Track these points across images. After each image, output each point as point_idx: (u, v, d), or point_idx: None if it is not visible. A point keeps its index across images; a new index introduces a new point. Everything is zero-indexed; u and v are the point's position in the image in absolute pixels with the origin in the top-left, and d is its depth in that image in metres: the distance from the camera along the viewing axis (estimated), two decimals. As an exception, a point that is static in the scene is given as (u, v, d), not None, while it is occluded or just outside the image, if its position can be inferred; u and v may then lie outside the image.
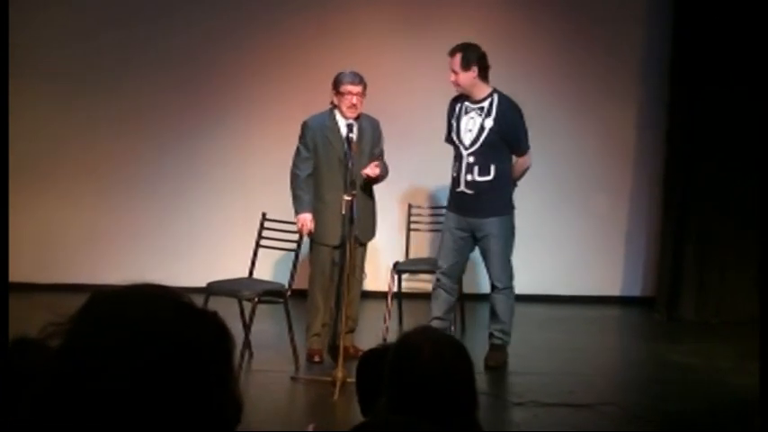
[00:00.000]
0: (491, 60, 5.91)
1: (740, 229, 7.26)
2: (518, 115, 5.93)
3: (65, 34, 7.46)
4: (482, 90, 5.90)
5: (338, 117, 5.93)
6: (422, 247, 7.41)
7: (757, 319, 6.15)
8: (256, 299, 5.87)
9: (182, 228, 7.64)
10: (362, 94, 5.89)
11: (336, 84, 5.90)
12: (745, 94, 7.11)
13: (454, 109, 6.00)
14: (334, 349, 5.83)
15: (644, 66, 7.67)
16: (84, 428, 1.18)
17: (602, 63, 7.63)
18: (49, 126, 7.54)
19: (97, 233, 7.64)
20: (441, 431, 2.05)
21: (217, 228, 7.61)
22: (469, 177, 5.89)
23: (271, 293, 6.07)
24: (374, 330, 6.47)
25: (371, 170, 5.93)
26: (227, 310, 5.48)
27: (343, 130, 5.88)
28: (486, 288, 6.56)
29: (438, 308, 6.09)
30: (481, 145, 5.86)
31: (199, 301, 1.33)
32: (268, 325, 6.45)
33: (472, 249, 6.09)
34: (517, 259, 6.13)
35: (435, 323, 5.96)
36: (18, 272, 6.84)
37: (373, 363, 2.57)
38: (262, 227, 6.40)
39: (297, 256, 6.16)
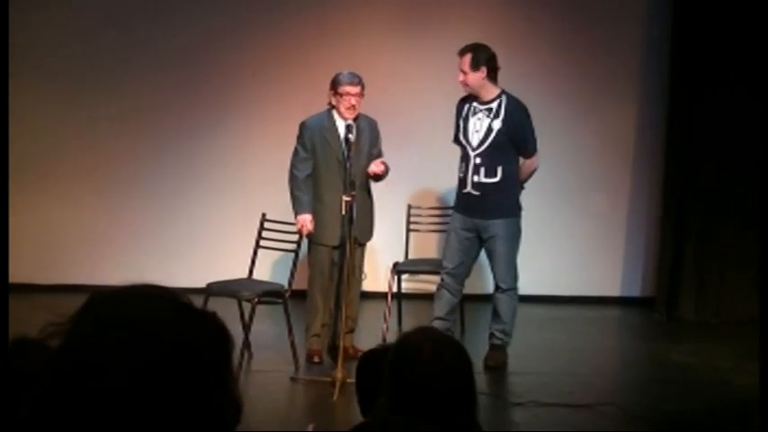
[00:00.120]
0: (492, 60, 5.91)
1: (740, 230, 7.26)
2: (526, 117, 5.92)
3: (65, 34, 7.46)
4: (490, 91, 5.89)
5: (336, 118, 5.93)
6: (421, 247, 7.41)
7: (757, 319, 6.15)
8: (256, 299, 5.88)
9: (181, 228, 7.64)
10: (361, 95, 5.88)
11: (335, 85, 5.89)
12: (745, 94, 7.11)
13: (462, 109, 5.99)
14: (333, 350, 5.83)
15: (644, 66, 7.67)
16: (84, 428, 1.18)
17: (602, 63, 7.63)
18: (49, 126, 7.54)
19: (97, 233, 7.64)
20: (440, 431, 2.05)
21: (216, 228, 7.61)
22: (476, 179, 5.88)
23: (270, 294, 6.07)
24: (374, 331, 6.47)
25: (377, 167, 5.93)
26: (227, 311, 5.49)
27: (342, 131, 5.88)
28: (486, 289, 6.57)
29: (440, 308, 6.08)
30: (489, 146, 5.85)
31: (198, 301, 1.34)
32: (267, 325, 6.45)
33: (478, 251, 6.08)
34: (517, 259, 6.13)
35: (437, 323, 5.96)
36: (18, 272, 6.84)
37: (373, 363, 2.57)
38: (261, 227, 6.40)
39: (296, 257, 6.16)
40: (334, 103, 5.92)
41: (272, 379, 5.78)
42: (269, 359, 6.07)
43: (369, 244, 6.25)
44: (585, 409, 5.34)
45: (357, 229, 5.76)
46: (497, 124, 5.85)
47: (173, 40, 7.51)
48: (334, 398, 5.32)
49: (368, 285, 6.57)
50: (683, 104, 7.32)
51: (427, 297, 7.47)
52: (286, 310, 5.98)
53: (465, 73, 5.85)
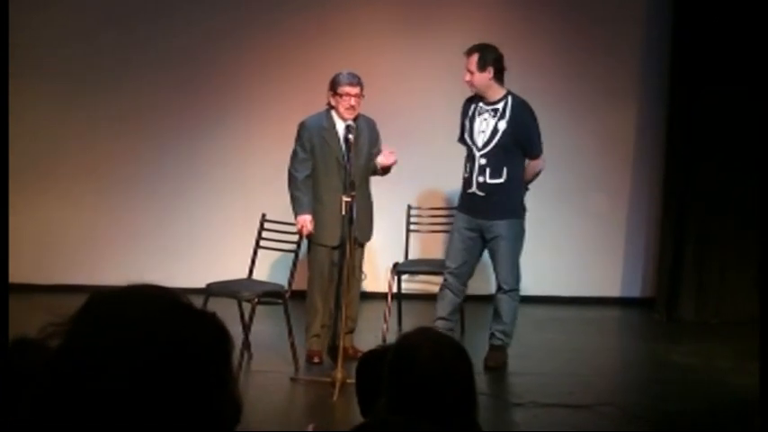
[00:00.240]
0: (490, 60, 5.90)
1: (740, 230, 7.26)
2: (532, 118, 5.92)
3: (65, 34, 7.46)
4: (497, 92, 5.89)
5: (335, 118, 5.93)
6: (421, 247, 7.41)
7: (757, 319, 6.15)
8: (256, 300, 5.87)
9: (181, 228, 7.64)
10: (360, 96, 5.88)
11: (334, 85, 5.89)
12: (745, 94, 7.11)
13: (468, 109, 5.99)
14: (333, 350, 5.83)
15: (643, 66, 7.67)
16: (84, 428, 1.18)
17: (601, 63, 7.63)
18: (49, 126, 7.54)
19: (97, 233, 7.64)
20: (440, 431, 2.05)
21: (216, 228, 7.61)
22: (481, 179, 5.88)
23: (270, 294, 6.07)
24: (374, 331, 6.47)
25: (387, 159, 5.92)
26: (227, 311, 5.49)
27: (341, 132, 5.88)
28: (486, 290, 6.56)
29: (443, 308, 6.08)
30: (494, 147, 5.85)
31: (198, 301, 1.34)
32: (267, 326, 6.45)
33: (482, 251, 6.07)
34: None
35: (440, 323, 5.97)
36: (18, 273, 6.83)
37: (373, 364, 2.57)
38: (261, 227, 6.40)
39: (296, 257, 6.15)
40: (333, 103, 5.91)
41: (271, 379, 5.78)
42: (269, 360, 6.06)
43: (368, 244, 6.25)
44: (585, 410, 5.34)
45: (357, 229, 5.76)
46: (503, 125, 5.84)
47: (173, 40, 7.51)
48: (334, 398, 5.32)
49: (368, 286, 6.57)
50: (682, 104, 7.32)
51: (427, 297, 7.47)
52: (286, 311, 5.97)
53: (472, 73, 5.85)
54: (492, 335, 6.08)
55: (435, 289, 6.58)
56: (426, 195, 7.55)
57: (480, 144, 5.89)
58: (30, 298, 6.57)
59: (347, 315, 5.89)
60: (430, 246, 7.43)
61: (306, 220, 5.89)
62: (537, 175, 6.06)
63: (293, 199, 5.96)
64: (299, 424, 5.02)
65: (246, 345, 5.97)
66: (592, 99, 7.67)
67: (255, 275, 6.36)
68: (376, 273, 7.34)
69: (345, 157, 5.78)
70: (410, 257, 7.08)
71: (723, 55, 7.14)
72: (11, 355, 1.75)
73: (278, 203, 6.34)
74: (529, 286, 6.79)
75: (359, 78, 5.88)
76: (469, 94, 6.06)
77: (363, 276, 6.25)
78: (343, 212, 5.69)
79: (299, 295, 6.14)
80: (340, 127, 5.90)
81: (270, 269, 7.10)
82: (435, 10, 7.54)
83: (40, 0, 7.42)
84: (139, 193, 7.63)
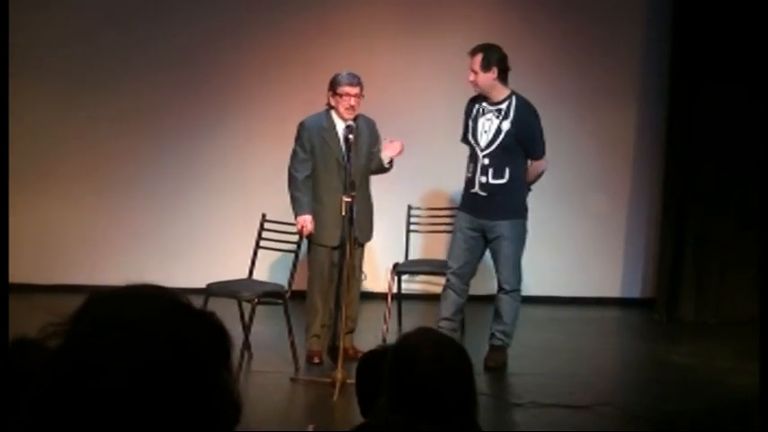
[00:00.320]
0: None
1: (739, 230, 7.27)
2: (536, 119, 5.91)
3: (65, 34, 7.46)
4: (500, 92, 5.88)
5: (335, 118, 5.93)
6: (422, 248, 7.41)
7: (757, 319, 6.15)
8: (256, 300, 5.87)
9: (181, 228, 7.64)
10: (360, 96, 5.88)
11: (333, 85, 5.88)
12: (745, 94, 7.11)
13: (471, 109, 5.98)
14: (333, 350, 5.83)
15: (643, 66, 7.67)
16: (84, 428, 1.18)
17: (600, 63, 7.63)
18: (49, 126, 7.54)
19: (97, 233, 7.64)
20: (440, 431, 2.05)
21: (216, 228, 7.61)
22: (484, 179, 5.87)
23: (270, 294, 6.07)
24: (374, 331, 6.47)
25: (393, 149, 5.90)
26: (227, 311, 5.49)
27: (341, 132, 5.88)
28: (487, 290, 6.56)
29: (446, 308, 6.08)
30: (497, 147, 5.84)
31: (198, 301, 1.34)
32: (267, 326, 6.44)
33: (484, 250, 6.07)
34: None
35: (443, 324, 5.97)
36: (18, 273, 6.83)
37: (373, 364, 2.58)
38: (261, 228, 6.40)
39: (296, 258, 6.15)
40: (332, 103, 5.91)
41: (272, 380, 5.78)
42: (269, 360, 6.06)
43: (368, 244, 6.25)
44: (585, 410, 5.34)
45: (357, 229, 5.76)
46: (506, 125, 5.84)
47: (173, 40, 7.51)
48: (334, 398, 5.32)
49: (368, 286, 6.57)
50: (682, 104, 7.32)
51: (427, 298, 7.48)
52: (286, 311, 5.97)
53: (476, 73, 5.84)
54: (492, 335, 6.08)
55: (436, 289, 6.58)
56: (426, 195, 7.55)
57: (483, 144, 5.89)
58: (30, 298, 6.57)
59: (347, 315, 5.89)
60: (430, 246, 7.43)
61: (306, 221, 5.89)
62: (540, 176, 6.06)
63: (293, 199, 5.95)
64: (299, 424, 5.02)
65: (246, 345, 5.96)
66: (592, 99, 7.67)
67: (255, 275, 6.36)
68: (376, 273, 7.33)
69: (345, 158, 5.77)
70: (410, 258, 7.08)
71: (723, 55, 7.14)
72: (11, 355, 1.75)
73: (278, 203, 6.34)
74: (529, 286, 6.79)
75: (359, 78, 5.88)
76: (470, 93, 6.06)
77: (363, 277, 6.25)
78: (344, 213, 5.68)
79: (299, 295, 6.14)
80: (340, 127, 5.90)
81: (270, 269, 7.10)
82: (435, 10, 7.54)
83: (40, 0, 7.42)
84: (139, 193, 7.63)
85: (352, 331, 6.12)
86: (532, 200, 6.13)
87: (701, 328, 7.23)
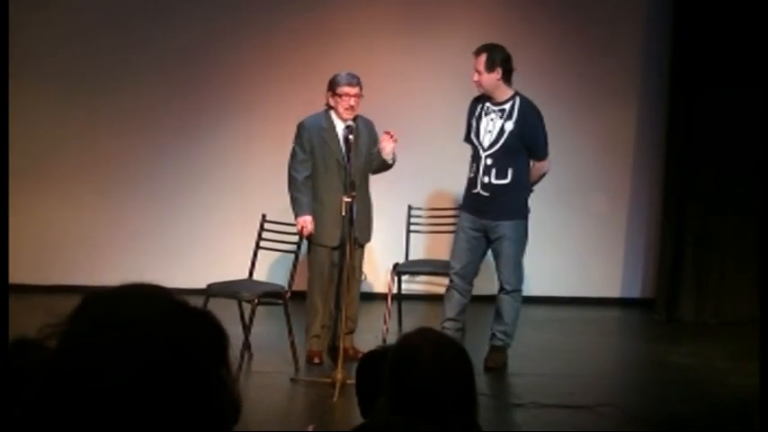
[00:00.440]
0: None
1: (739, 230, 7.27)
2: (539, 120, 5.90)
3: (65, 34, 7.46)
4: (504, 92, 5.88)
5: (334, 118, 5.92)
6: (422, 248, 7.41)
7: (757, 319, 6.16)
8: (256, 300, 5.87)
9: (181, 228, 7.64)
10: (359, 96, 5.88)
11: (333, 85, 5.88)
12: (745, 95, 7.11)
13: (475, 109, 5.97)
14: (333, 351, 5.83)
15: (643, 66, 7.67)
16: (84, 428, 1.18)
17: (600, 63, 7.63)
18: (49, 126, 7.53)
19: (97, 233, 7.63)
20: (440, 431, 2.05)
21: (216, 229, 7.61)
22: (486, 179, 5.87)
23: (270, 295, 6.06)
24: (374, 332, 6.47)
25: (389, 142, 5.88)
26: (227, 312, 5.49)
27: (341, 132, 5.87)
28: (487, 290, 6.55)
29: (450, 309, 6.07)
30: (500, 147, 5.84)
31: (198, 302, 1.33)
32: (267, 326, 6.44)
33: (486, 250, 6.06)
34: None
35: (448, 324, 5.97)
36: (17, 273, 6.83)
37: (373, 364, 2.57)
38: (261, 228, 6.40)
39: (296, 258, 6.15)
40: (332, 104, 5.91)
41: (272, 380, 5.77)
42: (269, 360, 6.06)
43: (368, 245, 6.24)
44: (585, 410, 5.34)
45: (357, 230, 5.76)
46: (510, 126, 5.83)
47: (173, 40, 7.51)
48: (334, 399, 5.32)
49: (368, 286, 6.57)
50: (682, 105, 7.32)
51: (428, 298, 7.49)
52: (286, 311, 5.97)
53: (480, 73, 5.83)
54: (493, 335, 6.08)
55: (436, 290, 6.58)
56: (427, 195, 7.55)
57: (486, 144, 5.88)
58: (29, 298, 6.57)
59: (347, 316, 5.89)
60: (430, 246, 7.43)
61: (306, 221, 5.89)
62: (542, 177, 6.05)
63: (293, 200, 5.95)
64: (299, 424, 5.02)
65: (247, 345, 5.96)
66: (592, 99, 7.66)
67: (255, 276, 6.36)
68: (376, 273, 7.34)
69: (345, 158, 5.77)
70: (410, 258, 7.07)
71: (723, 55, 7.14)
72: (11, 355, 1.75)
73: (278, 204, 6.34)
74: (529, 287, 6.79)
75: (358, 78, 5.88)
76: (470, 93, 6.06)
77: (363, 277, 6.25)
78: (343, 213, 5.68)
79: (299, 296, 6.14)
80: (339, 127, 5.90)
81: (270, 270, 7.10)
82: (435, 10, 7.54)
83: (40, 0, 7.42)
84: (139, 193, 7.63)
85: (352, 332, 6.12)
86: (532, 200, 6.13)
87: (701, 328, 7.23)
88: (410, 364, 2.24)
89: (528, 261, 6.26)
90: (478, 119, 5.93)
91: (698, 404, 5.51)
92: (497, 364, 6.00)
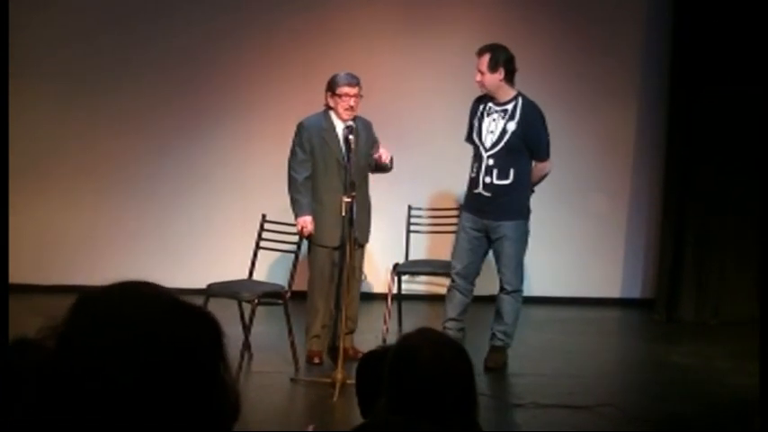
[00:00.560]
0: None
1: (739, 231, 7.27)
2: (541, 120, 5.90)
3: (65, 34, 7.46)
4: (507, 93, 5.87)
5: (334, 118, 5.92)
6: (422, 248, 7.41)
7: (757, 319, 6.16)
8: (256, 300, 5.87)
9: (181, 229, 7.64)
10: (359, 96, 5.88)
11: (332, 86, 5.88)
12: (745, 95, 7.11)
13: (477, 109, 5.97)
14: (333, 351, 5.83)
15: (643, 66, 7.67)
16: (83, 428, 1.18)
17: (600, 63, 7.63)
18: (49, 126, 7.53)
19: (97, 233, 7.63)
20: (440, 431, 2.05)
21: (216, 229, 7.60)
22: (488, 180, 5.86)
23: (270, 295, 6.06)
24: (374, 332, 6.47)
25: (385, 154, 5.91)
26: (227, 312, 5.49)
27: (341, 132, 5.87)
28: (487, 291, 6.55)
29: (452, 309, 6.07)
30: (502, 148, 5.83)
31: (199, 302, 1.33)
32: (268, 326, 6.45)
33: (487, 250, 6.06)
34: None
35: (450, 324, 5.97)
36: (17, 273, 6.83)
37: (373, 364, 2.57)
38: (261, 228, 6.40)
39: (296, 258, 6.15)
40: (331, 104, 5.90)
41: (272, 380, 5.77)
42: (269, 360, 6.06)
43: (368, 245, 6.24)
44: (585, 411, 5.34)
45: (357, 229, 5.76)
46: (512, 126, 5.83)
47: (173, 40, 7.51)
48: (334, 399, 5.32)
49: (368, 287, 6.57)
50: (682, 105, 7.32)
51: (428, 298, 7.49)
52: (286, 312, 5.97)
53: (482, 73, 5.82)
54: (493, 335, 6.08)
55: (436, 290, 6.58)
56: (427, 195, 7.55)
57: (488, 144, 5.88)
58: (29, 298, 6.57)
59: (347, 316, 5.89)
60: (430, 246, 7.43)
61: (306, 222, 5.89)
62: (543, 177, 6.05)
63: (293, 201, 5.95)
64: (299, 424, 5.02)
65: (247, 345, 5.96)
66: (592, 99, 7.66)
67: (256, 276, 6.36)
68: (376, 273, 7.34)
69: (345, 158, 5.77)
70: (410, 258, 7.07)
71: (723, 55, 7.14)
72: (11, 355, 1.75)
73: (278, 204, 6.34)
74: (529, 287, 6.80)
75: (357, 79, 5.88)
76: (471, 93, 6.06)
77: (363, 277, 6.25)
78: (344, 213, 5.68)
79: (300, 296, 6.14)
80: (339, 127, 5.90)
81: (270, 270, 7.10)
82: (435, 10, 7.54)
83: (40, 0, 7.42)
84: (139, 193, 7.63)
85: (352, 332, 6.12)
86: (532, 200, 6.13)
87: (701, 328, 7.23)
88: (410, 365, 2.24)
89: (528, 261, 6.26)
90: (480, 119, 5.93)
91: (698, 404, 5.51)
92: (497, 365, 6.00)
